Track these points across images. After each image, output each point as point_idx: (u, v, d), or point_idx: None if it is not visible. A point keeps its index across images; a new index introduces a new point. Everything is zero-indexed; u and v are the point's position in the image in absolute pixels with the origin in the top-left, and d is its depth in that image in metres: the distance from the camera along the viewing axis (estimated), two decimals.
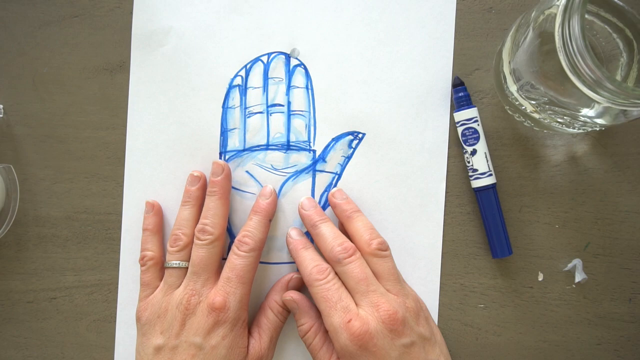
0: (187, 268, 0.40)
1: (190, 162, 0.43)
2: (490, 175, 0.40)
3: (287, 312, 0.41)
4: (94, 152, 0.43)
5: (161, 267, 0.41)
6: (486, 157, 0.40)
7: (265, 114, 0.42)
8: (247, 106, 0.43)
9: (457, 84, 0.41)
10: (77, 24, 0.43)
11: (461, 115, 0.41)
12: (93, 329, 0.44)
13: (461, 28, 0.42)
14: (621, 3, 0.35)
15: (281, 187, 0.42)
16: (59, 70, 0.43)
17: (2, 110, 0.43)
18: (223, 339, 0.37)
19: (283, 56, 0.42)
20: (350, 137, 0.42)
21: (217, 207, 0.40)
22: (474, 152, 0.40)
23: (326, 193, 0.42)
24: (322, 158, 0.42)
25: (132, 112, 0.43)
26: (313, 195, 0.42)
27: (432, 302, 0.42)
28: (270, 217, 0.41)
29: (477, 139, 0.40)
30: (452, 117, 0.42)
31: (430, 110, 0.42)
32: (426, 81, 0.42)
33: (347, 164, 0.42)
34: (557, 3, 0.31)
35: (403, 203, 0.42)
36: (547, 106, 0.35)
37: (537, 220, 0.42)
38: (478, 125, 0.40)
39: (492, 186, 0.41)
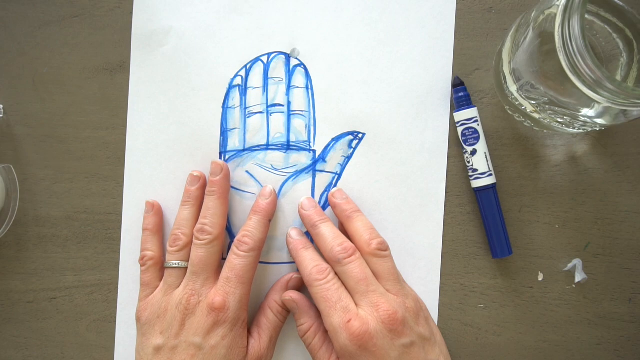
0: (187, 268, 0.40)
1: (190, 162, 0.43)
2: (490, 175, 0.40)
3: (287, 312, 0.41)
4: (94, 152, 0.43)
5: (161, 267, 0.41)
6: (486, 157, 0.40)
7: (265, 114, 0.42)
8: (247, 106, 0.43)
9: (457, 84, 0.41)
10: (77, 24, 0.43)
11: (461, 115, 0.40)
12: (93, 329, 0.44)
13: (461, 28, 0.42)
14: (621, 3, 0.35)
15: (281, 187, 0.42)
16: (59, 70, 0.43)
17: (2, 110, 0.43)
18: (223, 339, 0.37)
19: (283, 56, 0.42)
20: (350, 137, 0.42)
21: (216, 206, 0.40)
22: (474, 152, 0.40)
23: (326, 193, 0.42)
24: (322, 158, 0.42)
25: (132, 112, 0.43)
26: (313, 195, 0.42)
27: (432, 302, 0.42)
28: (270, 217, 0.41)
29: (477, 139, 0.40)
30: (452, 117, 0.42)
31: (430, 110, 0.42)
32: (426, 81, 0.42)
33: (347, 164, 0.42)
34: (557, 3, 0.31)
35: (403, 203, 0.42)
36: (547, 106, 0.35)
37: (537, 220, 0.42)
38: (478, 125, 0.40)
39: (492, 186, 0.40)
